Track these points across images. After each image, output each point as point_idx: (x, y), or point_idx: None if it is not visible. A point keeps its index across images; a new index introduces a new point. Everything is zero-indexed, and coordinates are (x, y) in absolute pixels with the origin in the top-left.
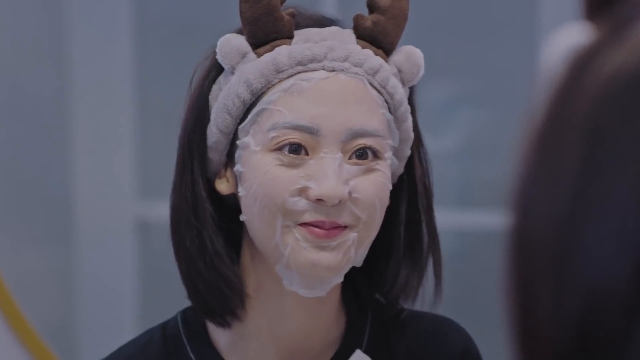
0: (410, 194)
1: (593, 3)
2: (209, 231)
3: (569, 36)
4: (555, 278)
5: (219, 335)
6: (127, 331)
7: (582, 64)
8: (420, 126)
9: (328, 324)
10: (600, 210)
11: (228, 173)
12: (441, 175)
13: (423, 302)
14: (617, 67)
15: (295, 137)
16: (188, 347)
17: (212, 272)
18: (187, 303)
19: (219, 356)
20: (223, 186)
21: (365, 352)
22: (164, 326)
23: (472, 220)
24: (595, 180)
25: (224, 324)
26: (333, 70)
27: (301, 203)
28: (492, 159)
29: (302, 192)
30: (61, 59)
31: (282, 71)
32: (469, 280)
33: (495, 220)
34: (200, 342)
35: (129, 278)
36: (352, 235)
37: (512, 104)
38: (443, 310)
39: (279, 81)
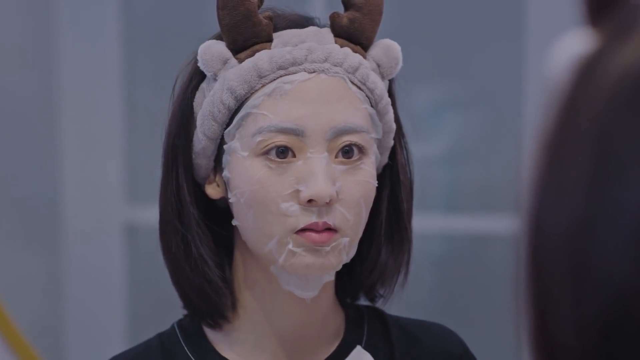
0: (393, 182)
1: (593, 9)
2: (194, 236)
3: (572, 44)
4: (573, 288)
5: (216, 335)
6: (116, 335)
7: (588, 70)
8: (407, 131)
9: (323, 318)
10: (615, 215)
11: (217, 178)
12: (428, 180)
13: (399, 288)
14: (624, 68)
15: (281, 140)
16: (186, 348)
17: (197, 276)
18: (174, 306)
19: (217, 353)
20: (213, 191)
21: (365, 349)
22: (160, 334)
23: (458, 225)
24: (608, 184)
25: (214, 325)
26: (314, 72)
27: (294, 208)
28: (478, 163)
29: (294, 196)
30: (50, 64)
31: (265, 76)
32: (456, 284)
33: (481, 224)
34: (197, 342)
35: (117, 282)
36: (344, 240)
37: (499, 109)
38: (431, 313)
39: (262, 86)
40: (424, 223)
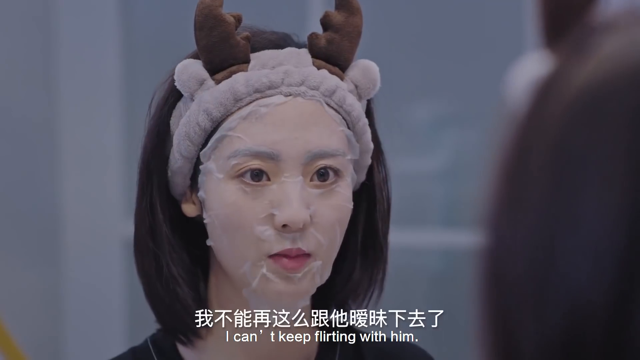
0: (370, 201)
1: (550, 31)
2: (166, 255)
3: (530, 66)
4: (533, 303)
5: (188, 352)
6: (115, 349)
7: (545, 90)
8: (406, 146)
9: (298, 339)
10: (573, 230)
11: (193, 196)
12: (427, 195)
13: (367, 304)
14: (580, 87)
15: (256, 163)
16: None
17: (168, 294)
18: None
19: None
20: (189, 209)
21: None
22: (133, 348)
23: (458, 240)
24: (565, 200)
25: (186, 342)
26: (290, 95)
27: (268, 232)
28: (477, 178)
29: (268, 219)
30: (49, 80)
31: (241, 99)
32: (455, 299)
33: None
34: (170, 358)
35: (117, 296)
36: (316, 263)
37: (498, 124)
38: (427, 329)
39: (238, 108)
40: (423, 238)
